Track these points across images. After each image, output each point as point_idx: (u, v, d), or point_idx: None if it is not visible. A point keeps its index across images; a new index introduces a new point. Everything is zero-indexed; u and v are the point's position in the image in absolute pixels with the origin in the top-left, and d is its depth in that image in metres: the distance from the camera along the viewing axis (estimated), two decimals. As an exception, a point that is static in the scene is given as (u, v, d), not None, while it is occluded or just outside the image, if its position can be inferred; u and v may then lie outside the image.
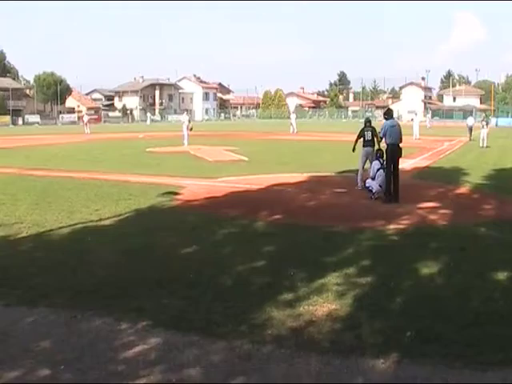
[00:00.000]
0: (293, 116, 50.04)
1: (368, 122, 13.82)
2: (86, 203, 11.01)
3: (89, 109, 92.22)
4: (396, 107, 73.02)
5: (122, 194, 12.24)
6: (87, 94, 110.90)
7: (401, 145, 11.98)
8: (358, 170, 13.78)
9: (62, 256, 7.21)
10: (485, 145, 29.64)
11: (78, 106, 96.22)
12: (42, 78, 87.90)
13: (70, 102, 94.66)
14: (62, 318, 5.10)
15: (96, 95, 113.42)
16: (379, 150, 12.67)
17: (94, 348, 4.49)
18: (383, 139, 12.12)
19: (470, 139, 35.32)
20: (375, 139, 13.25)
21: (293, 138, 38.37)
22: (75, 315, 5.13)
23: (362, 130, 13.54)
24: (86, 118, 53.91)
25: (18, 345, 4.57)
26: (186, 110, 36.65)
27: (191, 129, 28.32)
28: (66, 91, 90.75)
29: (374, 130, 13.41)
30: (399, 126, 12.15)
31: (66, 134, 44.79)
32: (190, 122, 31.27)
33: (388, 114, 12.29)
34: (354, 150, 13.75)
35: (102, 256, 7.18)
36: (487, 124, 31.68)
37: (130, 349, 4.45)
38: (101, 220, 9.43)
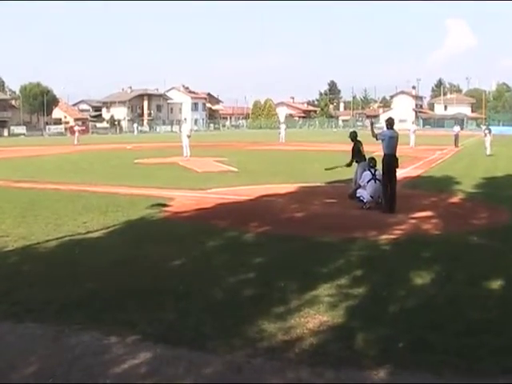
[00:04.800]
0: (282, 126, 51.59)
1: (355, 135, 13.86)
2: (73, 215, 10.96)
3: (76, 120, 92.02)
4: (387, 116, 73.27)
5: (110, 205, 12.20)
6: (74, 105, 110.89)
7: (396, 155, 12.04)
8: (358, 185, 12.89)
9: (48, 269, 7.17)
10: (488, 153, 29.87)
11: (65, 117, 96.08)
12: (28, 89, 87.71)
13: (57, 113, 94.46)
14: (48, 333, 5.05)
15: (83, 106, 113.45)
16: (373, 158, 12.66)
17: (82, 363, 4.46)
18: (378, 141, 12.09)
19: (457, 146, 36.64)
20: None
21: (282, 148, 38.48)
22: (62, 329, 5.09)
23: (357, 145, 13.54)
24: (77, 129, 53.90)
25: (4, 360, 4.53)
26: (185, 119, 36.40)
27: (189, 136, 28.19)
28: (53, 102, 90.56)
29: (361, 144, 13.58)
30: (397, 138, 12.11)
31: (52, 146, 44.62)
32: (191, 131, 31.03)
33: (390, 124, 12.31)
34: (350, 165, 13.76)
35: (89, 268, 7.14)
36: (490, 132, 31.97)
37: (119, 363, 4.42)
38: (89, 232, 9.39)
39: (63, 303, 5.79)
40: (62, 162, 27.94)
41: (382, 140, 11.94)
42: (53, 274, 6.90)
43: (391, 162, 11.81)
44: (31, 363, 4.47)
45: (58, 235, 9.12)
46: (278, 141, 46.31)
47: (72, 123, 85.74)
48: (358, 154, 13.46)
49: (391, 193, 11.77)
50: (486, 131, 32.06)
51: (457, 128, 41.16)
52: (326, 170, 13.80)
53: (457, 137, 39.32)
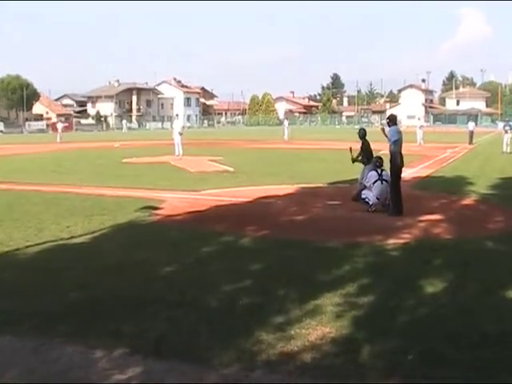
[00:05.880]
0: (286, 122, 52.37)
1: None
2: (56, 219, 10.96)
3: (59, 115, 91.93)
4: (394, 112, 73.49)
5: (96, 208, 12.20)
6: (57, 100, 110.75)
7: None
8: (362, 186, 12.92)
9: (29, 277, 7.16)
10: (508, 150, 30.03)
11: (47, 113, 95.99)
12: (5, 82, 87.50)
13: (38, 109, 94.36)
14: (28, 346, 5.04)
15: (67, 101, 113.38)
16: (379, 157, 12.63)
17: (65, 378, 4.45)
18: (390, 143, 12.02)
19: (471, 143, 36.87)
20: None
21: (282, 147, 38.53)
22: (43, 342, 5.08)
23: (365, 144, 13.53)
24: (60, 126, 53.85)
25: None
26: (177, 115, 36.29)
27: (181, 134, 28.17)
28: (33, 96, 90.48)
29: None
30: (402, 133, 12.21)
31: (33, 144, 44.62)
32: (183, 128, 31.04)
33: (392, 121, 12.33)
34: (354, 161, 13.77)
35: (74, 276, 7.14)
36: (511, 129, 32.12)
37: (105, 378, 4.42)
38: (73, 237, 9.39)
39: (45, 314, 5.78)
40: (43, 161, 27.92)
41: (396, 140, 11.81)
42: (33, 283, 6.90)
43: (400, 160, 11.80)
44: (11, 377, 4.47)
45: (39, 241, 9.11)
46: (283, 138, 46.68)
47: (54, 119, 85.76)
48: (366, 153, 13.44)
49: (399, 194, 11.78)
50: (507, 127, 32.19)
51: (472, 124, 41.79)
52: (353, 162, 13.67)
53: (471, 134, 39.65)
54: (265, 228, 10.30)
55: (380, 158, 12.59)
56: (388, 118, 12.68)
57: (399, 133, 12.01)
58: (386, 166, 12.23)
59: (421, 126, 40.50)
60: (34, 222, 10.72)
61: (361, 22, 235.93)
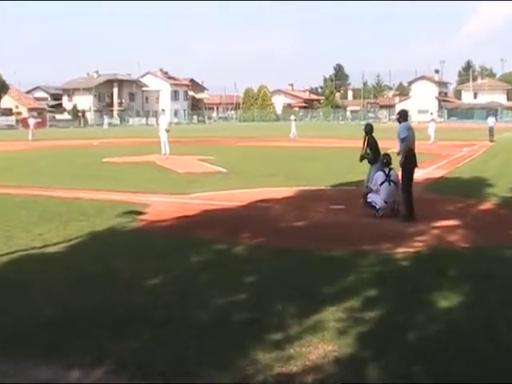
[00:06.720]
0: (292, 117, 53.51)
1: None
2: (26, 226, 10.94)
3: (30, 110, 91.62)
4: (404, 106, 73.69)
5: (73, 214, 12.19)
6: (28, 92, 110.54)
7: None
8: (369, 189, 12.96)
9: (-3, 291, 7.16)
10: None
11: (17, 107, 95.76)
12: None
13: (7, 102, 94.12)
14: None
15: (40, 93, 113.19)
16: (387, 154, 12.60)
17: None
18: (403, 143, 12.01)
19: (492, 140, 37.01)
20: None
21: (280, 145, 38.55)
22: (11, 366, 5.04)
23: (371, 140, 13.54)
24: (32, 122, 53.67)
25: None
26: (163, 110, 36.31)
27: (168, 131, 28.21)
28: (1, 88, 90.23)
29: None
30: (413, 129, 12.25)
31: (1, 141, 44.48)
32: (170, 124, 31.08)
33: (403, 116, 12.38)
34: (362, 159, 13.76)
35: (47, 290, 7.13)
36: None
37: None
38: (46, 246, 9.37)
39: (13, 332, 5.77)
40: (12, 161, 27.88)
41: (405, 137, 11.81)
42: (1, 297, 6.89)
43: (413, 159, 11.82)
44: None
45: (8, 250, 9.09)
46: (291, 136, 47.16)
47: (25, 114, 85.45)
48: (373, 150, 13.43)
49: (411, 198, 11.79)
50: None
51: (492, 120, 42.05)
52: (361, 160, 13.67)
53: (491, 130, 39.83)
54: (261, 235, 10.31)
55: (388, 155, 12.51)
56: (399, 113, 12.73)
57: (410, 129, 12.05)
58: (395, 164, 12.23)
59: (432, 120, 40.60)
60: (1, 229, 10.70)
61: (367, 7, 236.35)
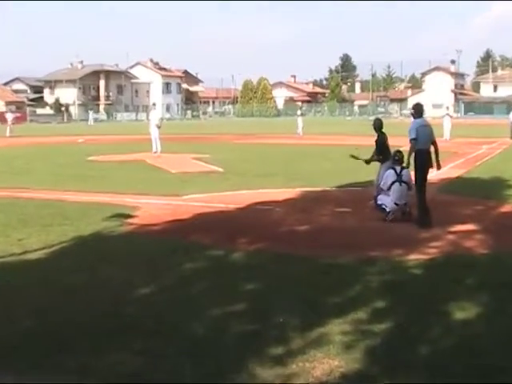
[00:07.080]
0: (299, 112, 53.98)
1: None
2: (4, 230, 10.94)
3: (8, 104, 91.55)
4: (417, 100, 73.69)
5: (55, 217, 12.19)
6: (6, 84, 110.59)
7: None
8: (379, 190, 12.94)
9: (-27, 301, 7.16)
10: None
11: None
12: None
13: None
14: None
15: (18, 85, 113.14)
16: (398, 151, 12.56)
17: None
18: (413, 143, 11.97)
19: None
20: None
21: (281, 143, 38.58)
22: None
23: (381, 138, 13.53)
24: (9, 117, 53.67)
25: None
26: (154, 104, 36.34)
27: (159, 127, 28.23)
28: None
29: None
30: (430, 126, 12.16)
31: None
32: (161, 120, 31.10)
33: (417, 112, 12.31)
34: (370, 161, 13.76)
35: (28, 300, 7.13)
36: None
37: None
38: (26, 253, 9.37)
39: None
40: (-9, 159, 27.86)
41: (414, 138, 11.74)
42: (-21, 308, 6.90)
43: (426, 158, 11.76)
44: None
45: (-15, 256, 9.10)
46: (296, 134, 47.23)
47: (3, 108, 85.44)
48: (382, 149, 13.42)
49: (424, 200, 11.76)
50: None
51: None
52: (351, 156, 13.73)
53: None
54: (260, 240, 10.32)
55: (400, 152, 12.43)
56: (413, 108, 12.66)
57: (425, 126, 11.92)
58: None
59: (446, 115, 40.53)
60: (-21, 233, 10.71)
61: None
